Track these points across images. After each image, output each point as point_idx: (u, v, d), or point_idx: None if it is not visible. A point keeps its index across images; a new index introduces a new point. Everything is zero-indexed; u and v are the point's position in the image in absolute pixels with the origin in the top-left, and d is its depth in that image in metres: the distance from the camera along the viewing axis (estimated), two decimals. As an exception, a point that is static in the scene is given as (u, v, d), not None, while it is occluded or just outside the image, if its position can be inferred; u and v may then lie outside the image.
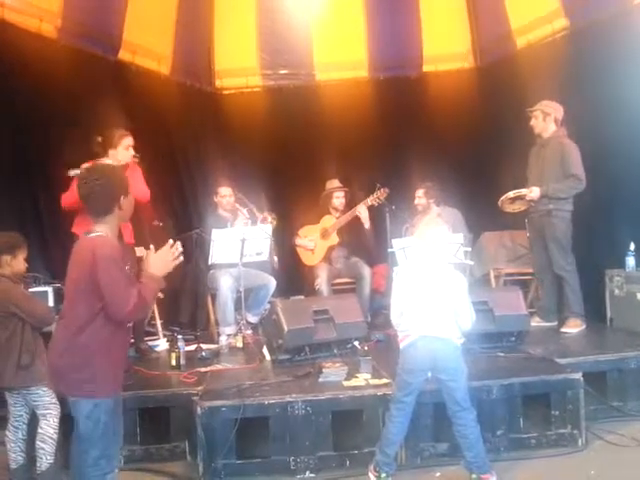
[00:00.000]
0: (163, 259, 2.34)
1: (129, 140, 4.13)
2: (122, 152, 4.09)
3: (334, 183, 5.54)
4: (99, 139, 4.12)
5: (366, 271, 5.23)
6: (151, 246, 2.40)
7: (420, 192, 5.40)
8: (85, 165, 3.76)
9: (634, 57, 4.51)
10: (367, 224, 5.21)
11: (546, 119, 4.54)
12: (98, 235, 2.30)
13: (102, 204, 2.32)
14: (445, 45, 6.51)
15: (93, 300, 2.23)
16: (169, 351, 4.09)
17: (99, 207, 2.33)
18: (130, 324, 2.49)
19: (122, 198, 2.36)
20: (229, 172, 5.84)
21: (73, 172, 3.78)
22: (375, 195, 5.15)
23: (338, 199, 5.44)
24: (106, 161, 3.93)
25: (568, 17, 5.33)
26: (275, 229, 4.99)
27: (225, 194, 5.11)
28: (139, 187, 4.13)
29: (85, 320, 2.25)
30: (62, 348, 2.32)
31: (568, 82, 4.91)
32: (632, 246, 4.49)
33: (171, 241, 2.35)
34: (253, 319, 4.96)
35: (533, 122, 4.61)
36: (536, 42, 5.70)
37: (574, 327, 4.48)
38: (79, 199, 2.40)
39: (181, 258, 2.37)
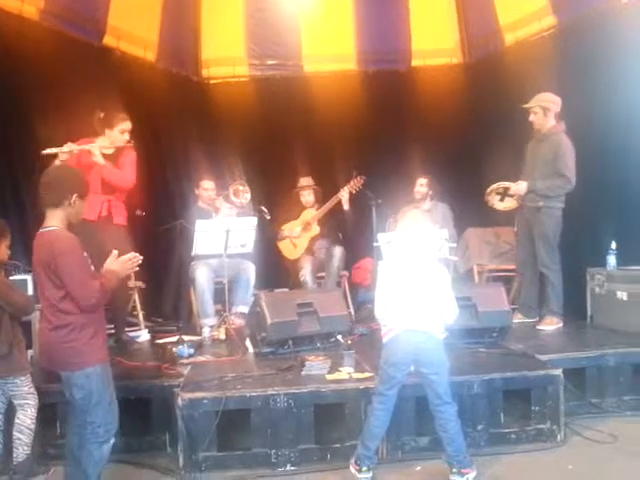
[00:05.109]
0: (122, 263, 2.63)
1: (126, 125, 4.18)
2: (117, 134, 4.15)
3: (304, 181, 5.54)
4: (101, 115, 4.16)
5: (337, 250, 5.24)
6: (115, 251, 2.66)
7: (423, 181, 5.43)
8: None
9: (622, 54, 4.54)
10: (346, 206, 5.24)
11: (547, 114, 4.48)
12: (53, 229, 2.52)
13: (53, 195, 2.54)
14: (434, 40, 6.51)
15: (57, 285, 2.48)
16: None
17: (50, 197, 2.55)
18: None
19: (75, 197, 2.55)
20: (213, 162, 5.79)
21: (46, 151, 3.82)
22: (352, 183, 5.17)
23: (304, 197, 5.47)
24: (99, 140, 4.08)
25: (556, 14, 5.36)
26: (259, 221, 4.95)
27: (207, 187, 5.11)
28: (122, 175, 4.17)
29: (54, 303, 2.50)
30: (45, 329, 2.56)
31: (556, 79, 4.92)
32: (613, 245, 4.53)
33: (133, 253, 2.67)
34: (244, 309, 4.82)
35: (533, 118, 4.54)
36: (524, 39, 5.73)
37: (550, 324, 4.52)
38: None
39: (136, 266, 2.69)
